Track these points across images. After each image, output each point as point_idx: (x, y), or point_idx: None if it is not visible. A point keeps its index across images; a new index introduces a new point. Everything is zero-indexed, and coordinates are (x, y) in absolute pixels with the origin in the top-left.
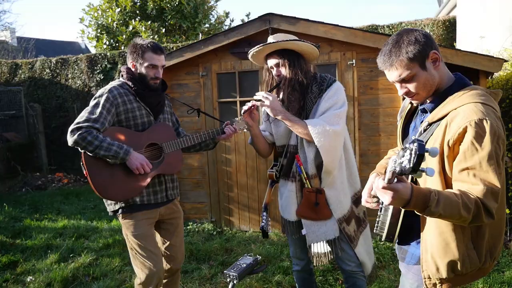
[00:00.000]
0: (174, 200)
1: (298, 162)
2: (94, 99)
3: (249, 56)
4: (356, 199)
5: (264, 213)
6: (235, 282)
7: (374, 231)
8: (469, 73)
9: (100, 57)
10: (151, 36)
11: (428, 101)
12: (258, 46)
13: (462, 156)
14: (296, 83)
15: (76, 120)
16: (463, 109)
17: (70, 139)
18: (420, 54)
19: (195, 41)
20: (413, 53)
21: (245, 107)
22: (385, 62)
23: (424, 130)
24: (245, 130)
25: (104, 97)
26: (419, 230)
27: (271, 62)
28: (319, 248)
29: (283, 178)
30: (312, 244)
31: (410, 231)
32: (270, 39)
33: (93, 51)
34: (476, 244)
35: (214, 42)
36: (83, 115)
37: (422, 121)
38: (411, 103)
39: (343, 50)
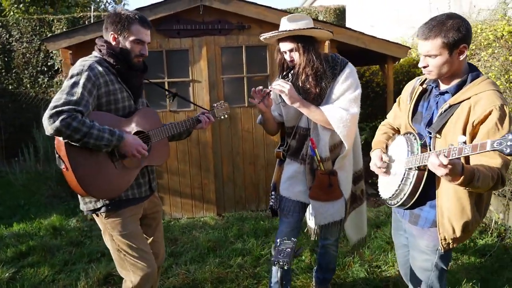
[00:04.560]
0: (154, 192)
1: (313, 145)
2: (71, 77)
3: (261, 37)
4: (355, 178)
5: (273, 193)
6: (285, 268)
7: (384, 196)
8: (379, 57)
9: None
10: (15, 5)
11: (447, 85)
12: (272, 32)
13: (486, 134)
14: (311, 70)
15: (53, 104)
16: (485, 95)
17: (50, 127)
18: (454, 42)
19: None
20: (449, 39)
21: (256, 100)
22: (423, 34)
23: (444, 111)
24: (226, 116)
25: (84, 76)
26: (431, 196)
27: (284, 46)
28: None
29: (289, 158)
30: (316, 225)
31: (423, 197)
32: (285, 22)
33: None
34: (478, 207)
35: None
36: (60, 97)
37: (438, 102)
38: (421, 84)
39: None
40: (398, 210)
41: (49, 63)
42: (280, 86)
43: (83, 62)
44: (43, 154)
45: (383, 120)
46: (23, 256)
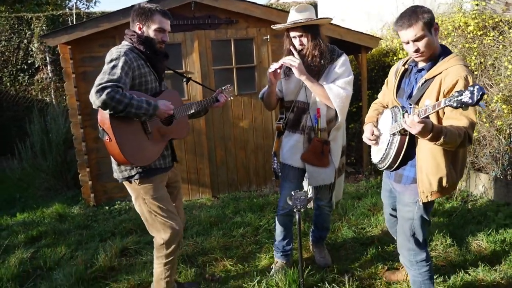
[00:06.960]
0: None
1: (318, 114)
2: (110, 61)
3: (274, 27)
4: (341, 152)
5: (275, 158)
6: (302, 210)
7: (375, 161)
8: (353, 47)
9: None
10: None
11: (423, 64)
12: (289, 23)
13: None
14: (318, 51)
15: (97, 82)
16: (454, 68)
17: (98, 100)
18: (430, 21)
19: (112, 11)
20: (427, 19)
21: (275, 65)
22: (405, 23)
23: (422, 85)
24: (231, 98)
25: (122, 60)
26: (412, 157)
27: (296, 33)
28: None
29: (288, 130)
30: (310, 187)
31: (405, 159)
32: (294, 13)
33: None
34: (454, 166)
35: None
36: (103, 77)
37: (417, 78)
38: (403, 65)
39: (259, 26)
40: (386, 172)
41: (29, 61)
42: (291, 61)
43: (119, 49)
44: (39, 148)
45: (357, 106)
46: (35, 240)
